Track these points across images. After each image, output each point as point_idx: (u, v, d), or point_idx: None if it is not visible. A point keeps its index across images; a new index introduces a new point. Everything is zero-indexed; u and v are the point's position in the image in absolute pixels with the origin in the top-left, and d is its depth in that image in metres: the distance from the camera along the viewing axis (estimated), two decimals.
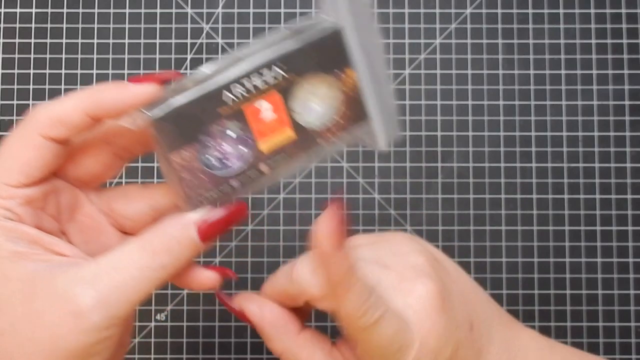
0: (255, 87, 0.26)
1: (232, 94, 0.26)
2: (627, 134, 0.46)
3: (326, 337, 0.29)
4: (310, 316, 0.45)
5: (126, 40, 0.47)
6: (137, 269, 0.24)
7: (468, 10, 0.47)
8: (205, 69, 0.26)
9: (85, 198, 0.28)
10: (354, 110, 0.27)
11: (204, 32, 0.47)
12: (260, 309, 0.28)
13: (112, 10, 0.47)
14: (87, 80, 0.47)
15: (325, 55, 0.26)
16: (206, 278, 0.28)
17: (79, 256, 0.26)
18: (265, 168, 0.27)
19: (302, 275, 0.26)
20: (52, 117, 0.25)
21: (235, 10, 0.47)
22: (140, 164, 0.46)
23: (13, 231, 0.24)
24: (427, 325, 0.26)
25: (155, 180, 0.46)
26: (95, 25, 0.47)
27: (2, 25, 0.47)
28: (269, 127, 0.26)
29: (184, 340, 0.45)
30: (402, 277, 0.27)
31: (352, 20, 0.27)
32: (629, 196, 0.46)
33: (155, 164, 0.46)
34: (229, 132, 0.26)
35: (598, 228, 0.46)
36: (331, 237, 0.24)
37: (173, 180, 0.26)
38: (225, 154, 0.27)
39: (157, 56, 0.47)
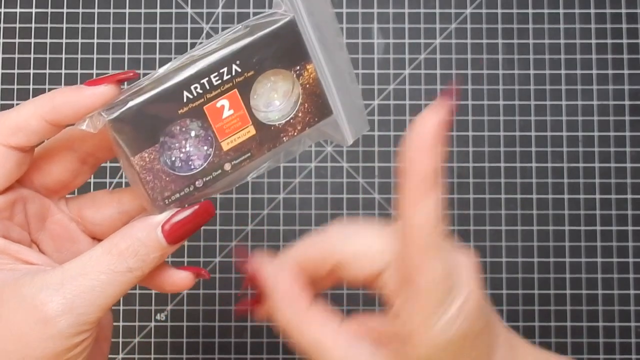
0: (213, 85, 0.26)
1: (191, 93, 0.25)
2: (627, 134, 0.46)
3: (336, 313, 0.28)
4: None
5: (126, 40, 0.47)
6: (104, 272, 0.24)
7: (468, 10, 0.47)
8: (162, 69, 0.26)
9: (55, 206, 0.28)
10: (316, 105, 0.27)
11: (204, 32, 0.47)
12: (276, 275, 0.27)
13: (112, 10, 0.47)
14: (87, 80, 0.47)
15: (281, 49, 0.26)
16: (179, 279, 0.27)
17: (47, 264, 0.26)
18: (229, 167, 0.27)
19: (342, 232, 0.26)
20: (9, 125, 0.25)
21: (235, 10, 0.47)
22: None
23: None
24: (473, 284, 0.24)
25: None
26: (95, 25, 0.47)
27: (2, 25, 0.47)
28: (230, 126, 0.26)
29: (184, 340, 0.45)
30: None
31: (307, 13, 0.26)
32: (629, 196, 0.46)
33: None
34: (190, 131, 0.26)
35: (598, 228, 0.46)
36: (436, 128, 0.23)
37: (137, 182, 0.26)
38: (187, 153, 0.26)
39: (157, 56, 0.47)
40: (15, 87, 0.47)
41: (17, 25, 0.47)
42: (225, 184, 0.28)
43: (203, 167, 0.26)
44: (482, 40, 0.47)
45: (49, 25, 0.47)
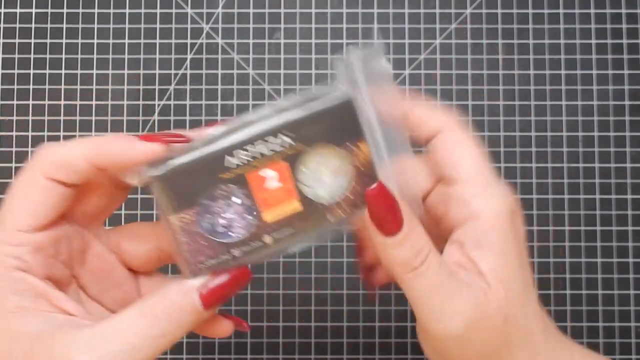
0: (260, 153, 0.25)
1: (235, 159, 0.25)
2: (627, 134, 0.46)
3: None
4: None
5: (126, 41, 0.47)
6: (136, 336, 0.24)
7: (468, 11, 0.47)
8: (214, 130, 0.25)
9: (94, 239, 0.28)
10: (366, 187, 0.25)
11: (204, 32, 0.47)
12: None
13: (112, 11, 0.47)
14: (87, 81, 0.47)
15: (336, 125, 0.25)
16: (222, 328, 0.27)
17: (83, 315, 0.25)
18: (269, 240, 0.26)
19: None
20: (56, 161, 0.25)
21: (235, 10, 0.47)
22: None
23: (20, 283, 0.24)
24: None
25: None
26: (95, 26, 0.47)
27: (2, 25, 0.47)
28: (274, 197, 0.25)
29: (184, 340, 0.45)
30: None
31: (367, 90, 0.25)
32: (629, 196, 0.46)
33: None
34: (232, 198, 0.25)
35: (598, 228, 0.46)
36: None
37: (172, 241, 0.25)
38: (228, 220, 0.25)
39: (157, 56, 0.47)
40: (15, 87, 0.47)
41: (17, 25, 0.47)
42: (263, 257, 0.26)
43: (242, 236, 0.25)
44: (482, 41, 0.47)
45: (49, 26, 0.47)
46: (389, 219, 0.24)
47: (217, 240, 0.25)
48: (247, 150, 0.25)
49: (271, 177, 0.25)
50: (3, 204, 0.25)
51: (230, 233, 0.25)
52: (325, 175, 0.26)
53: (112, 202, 0.28)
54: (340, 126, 0.25)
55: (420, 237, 0.25)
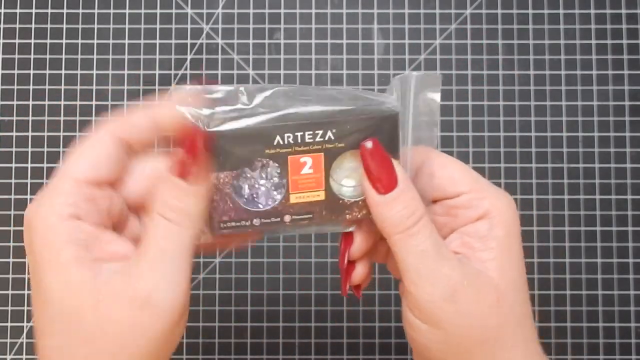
0: (305, 141, 0.26)
1: (283, 139, 0.26)
2: (627, 134, 0.46)
3: None
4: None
5: (126, 41, 0.47)
6: (170, 242, 0.25)
7: (468, 11, 0.47)
8: (278, 92, 0.26)
9: (133, 217, 0.28)
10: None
11: (204, 32, 0.47)
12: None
13: (112, 11, 0.47)
14: (87, 81, 0.47)
15: (377, 137, 0.26)
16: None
17: (131, 251, 0.26)
18: (288, 219, 0.27)
19: None
20: (122, 120, 0.26)
21: (235, 11, 0.47)
22: None
23: (74, 231, 0.24)
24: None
25: None
26: (95, 26, 0.47)
27: (2, 26, 0.47)
28: (305, 183, 0.27)
29: (184, 340, 0.45)
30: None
31: (413, 115, 0.27)
32: (628, 197, 0.46)
33: None
34: (268, 172, 0.27)
35: (598, 228, 0.46)
36: None
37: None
38: (258, 191, 0.27)
39: (157, 56, 0.47)
40: (15, 87, 0.47)
41: (17, 25, 0.47)
42: (277, 232, 0.28)
43: (266, 209, 0.27)
44: (482, 41, 0.47)
45: (49, 26, 0.47)
46: (383, 175, 0.26)
47: (244, 206, 0.27)
48: (295, 135, 0.26)
49: (308, 165, 0.27)
50: (67, 156, 0.26)
51: (257, 203, 0.27)
52: (354, 177, 0.27)
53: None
54: (381, 139, 0.27)
55: (414, 199, 0.26)
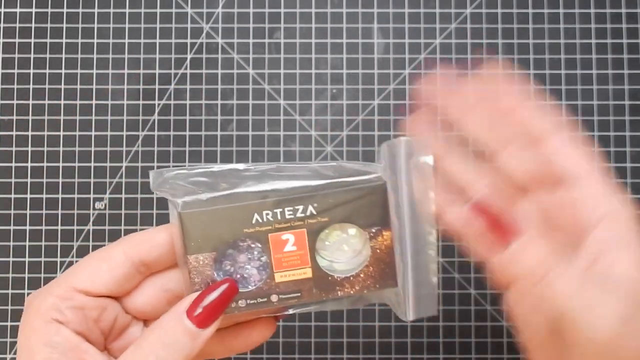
0: (285, 217, 0.25)
1: (261, 217, 0.25)
2: (627, 133, 0.46)
3: None
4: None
5: (126, 40, 0.47)
6: None
7: (468, 10, 0.47)
8: (245, 169, 0.26)
9: (136, 323, 0.28)
10: (381, 272, 0.26)
11: (204, 31, 0.47)
12: None
13: (112, 10, 0.47)
14: (87, 80, 0.47)
15: (366, 209, 0.26)
16: (257, 333, 0.28)
17: None
18: (276, 299, 0.26)
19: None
20: (138, 238, 0.26)
21: (235, 10, 0.47)
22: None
23: (54, 334, 0.25)
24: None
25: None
26: (95, 25, 0.47)
27: (2, 25, 0.47)
28: (289, 262, 0.26)
29: None
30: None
31: (406, 180, 0.26)
32: (628, 196, 0.46)
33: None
34: (249, 252, 0.26)
35: None
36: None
37: (185, 277, 0.26)
38: (241, 272, 0.26)
39: (157, 56, 0.47)
40: (15, 86, 0.47)
41: (17, 25, 0.47)
42: (265, 311, 0.27)
43: (251, 290, 0.26)
44: (482, 40, 0.47)
45: (48, 25, 0.47)
46: (501, 229, 0.24)
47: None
48: (274, 212, 0.25)
49: (291, 242, 0.26)
50: (78, 262, 0.27)
51: (242, 283, 0.26)
52: (345, 251, 0.26)
53: (131, 285, 0.28)
54: (368, 210, 0.26)
55: (538, 243, 0.24)
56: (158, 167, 0.46)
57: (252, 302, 0.26)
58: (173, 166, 0.46)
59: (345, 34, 0.47)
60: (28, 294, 0.45)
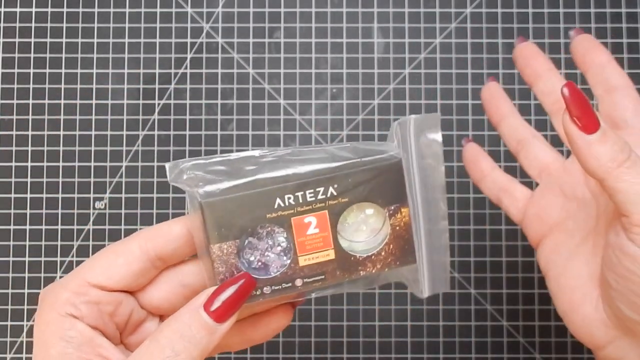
0: (307, 200, 0.25)
1: (283, 202, 0.25)
2: None
3: None
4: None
5: (126, 40, 0.47)
6: None
7: (468, 10, 0.47)
8: (261, 155, 0.25)
9: (152, 318, 0.28)
10: (401, 249, 0.27)
11: (204, 31, 0.47)
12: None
13: (112, 10, 0.47)
14: (87, 80, 0.47)
15: (382, 186, 0.26)
16: (276, 322, 0.28)
17: None
18: (300, 283, 0.26)
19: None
20: (154, 231, 0.26)
21: (235, 10, 0.47)
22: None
23: (69, 328, 0.25)
24: None
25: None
26: (95, 25, 0.47)
27: (2, 25, 0.47)
28: (312, 244, 0.26)
29: None
30: None
31: (417, 158, 0.26)
32: None
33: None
34: (274, 238, 0.26)
35: None
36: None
37: (208, 268, 0.26)
38: (265, 258, 0.26)
39: (157, 55, 0.47)
40: (15, 86, 0.47)
41: (17, 24, 0.47)
42: (289, 297, 0.27)
43: (275, 275, 0.26)
44: (482, 40, 0.47)
45: (48, 25, 0.47)
46: (587, 115, 0.26)
47: (253, 275, 0.26)
48: (295, 195, 0.25)
49: (313, 224, 0.26)
50: (94, 255, 0.26)
51: (265, 270, 0.26)
52: (364, 231, 0.26)
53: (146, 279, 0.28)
54: (386, 188, 0.26)
55: (616, 135, 0.26)
56: (158, 167, 0.46)
57: (277, 287, 0.26)
58: None
59: (345, 33, 0.47)
60: (28, 293, 0.45)
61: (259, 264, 0.26)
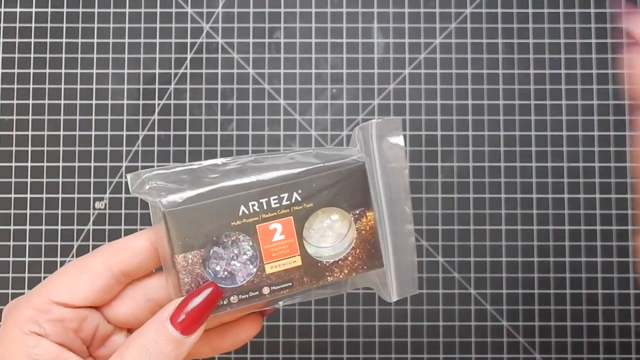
0: (271, 207, 0.25)
1: (248, 209, 0.25)
2: (627, 133, 0.46)
3: None
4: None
5: (126, 40, 0.47)
6: None
7: (468, 10, 0.47)
8: (224, 163, 0.25)
9: (120, 331, 0.28)
10: (368, 254, 0.27)
11: (204, 31, 0.47)
12: None
13: (112, 10, 0.47)
14: (87, 80, 0.47)
15: (346, 190, 0.26)
16: (244, 331, 0.28)
17: None
18: (268, 291, 0.26)
19: None
20: (116, 247, 0.26)
21: (235, 10, 0.47)
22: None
23: (34, 346, 0.25)
24: None
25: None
26: (95, 25, 0.47)
27: (2, 25, 0.47)
28: (279, 251, 0.26)
29: None
30: None
31: (380, 162, 0.26)
32: (628, 196, 0.46)
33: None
34: (238, 246, 0.26)
35: (598, 227, 0.46)
36: None
37: (173, 279, 0.26)
38: (231, 267, 0.26)
39: (157, 55, 0.47)
40: (15, 86, 0.47)
41: (17, 24, 0.47)
42: (257, 305, 0.27)
43: (242, 284, 0.26)
44: (482, 40, 0.47)
45: (48, 25, 0.47)
46: None
47: (218, 285, 0.26)
48: (260, 202, 0.25)
49: (278, 231, 0.26)
50: (57, 271, 0.26)
51: (231, 280, 0.26)
52: (330, 236, 0.26)
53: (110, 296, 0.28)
54: (350, 192, 0.26)
55: None
56: (158, 167, 0.46)
57: (244, 296, 0.26)
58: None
59: (345, 33, 0.47)
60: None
61: (225, 273, 0.26)
